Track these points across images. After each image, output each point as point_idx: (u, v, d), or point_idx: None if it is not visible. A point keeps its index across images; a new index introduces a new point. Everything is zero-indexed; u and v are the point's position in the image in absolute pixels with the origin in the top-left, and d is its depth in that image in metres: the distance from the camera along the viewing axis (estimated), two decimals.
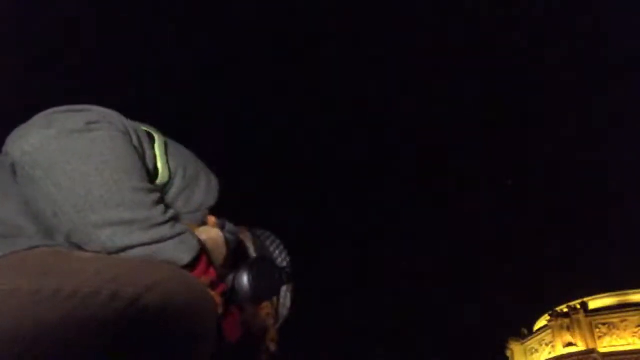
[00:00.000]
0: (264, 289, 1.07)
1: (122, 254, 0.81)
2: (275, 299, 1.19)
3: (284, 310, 1.23)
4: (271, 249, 1.23)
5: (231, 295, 1.02)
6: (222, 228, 1.03)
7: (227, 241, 1.01)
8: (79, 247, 0.82)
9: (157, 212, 0.86)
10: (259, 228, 1.27)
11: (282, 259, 1.23)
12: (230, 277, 1.03)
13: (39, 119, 0.84)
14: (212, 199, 1.08)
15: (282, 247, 1.25)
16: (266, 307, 1.15)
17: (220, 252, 0.98)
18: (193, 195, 1.03)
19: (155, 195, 0.89)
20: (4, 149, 0.83)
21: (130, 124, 0.94)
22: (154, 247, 0.83)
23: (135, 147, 0.91)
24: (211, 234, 0.99)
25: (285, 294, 1.22)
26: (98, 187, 0.80)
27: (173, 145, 1.06)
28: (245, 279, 1.04)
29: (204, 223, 1.04)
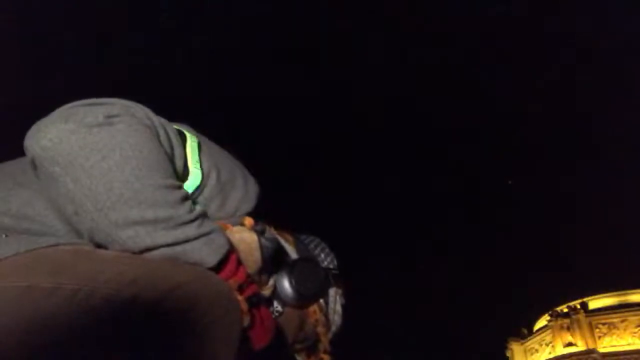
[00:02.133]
0: (308, 290, 1.00)
1: (146, 255, 0.78)
2: (323, 303, 1.09)
3: (335, 317, 1.12)
4: (316, 251, 1.14)
5: (273, 299, 0.97)
6: (259, 232, 0.95)
7: (261, 246, 0.92)
8: (103, 247, 0.79)
9: (183, 211, 0.81)
10: (304, 233, 1.18)
11: (328, 261, 1.14)
12: (271, 281, 0.97)
13: (57, 112, 0.80)
14: (249, 204, 1.01)
15: (327, 249, 1.16)
16: (314, 313, 1.05)
17: (252, 256, 0.91)
18: (228, 199, 0.97)
19: (181, 193, 0.84)
20: (24, 144, 0.80)
21: (157, 119, 0.89)
22: (178, 248, 0.79)
23: (161, 143, 0.86)
24: (244, 235, 0.92)
25: (334, 298, 1.12)
26: (119, 184, 0.75)
27: (208, 145, 1.01)
28: (286, 279, 0.98)
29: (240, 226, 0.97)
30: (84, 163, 0.75)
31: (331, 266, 1.13)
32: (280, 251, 1.02)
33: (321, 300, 1.08)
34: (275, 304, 0.98)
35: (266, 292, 0.96)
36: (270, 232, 1.03)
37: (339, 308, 1.13)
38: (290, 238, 1.11)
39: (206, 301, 0.73)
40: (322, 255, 1.14)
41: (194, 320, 0.71)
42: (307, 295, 1.00)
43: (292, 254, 1.07)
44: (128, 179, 0.76)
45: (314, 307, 1.05)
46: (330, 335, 1.11)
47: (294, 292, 0.98)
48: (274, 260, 0.99)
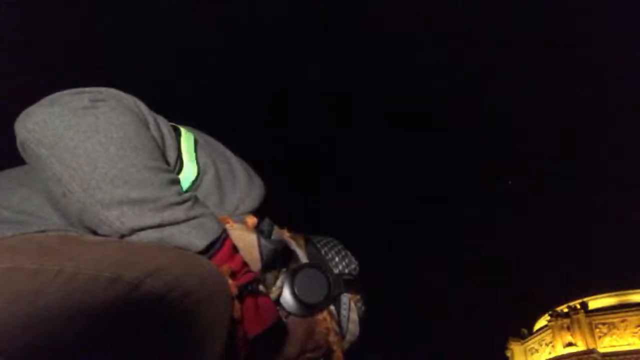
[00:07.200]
0: (311, 299, 0.95)
1: (134, 237, 0.78)
2: (335, 311, 1.03)
3: (350, 325, 1.05)
4: (329, 255, 1.07)
5: (278, 304, 0.94)
6: (263, 232, 0.92)
7: (260, 246, 0.88)
8: (93, 232, 0.79)
9: (170, 192, 0.81)
10: (323, 235, 1.13)
11: (343, 265, 1.07)
12: (278, 282, 0.95)
13: (44, 99, 0.82)
14: (251, 203, 0.98)
15: (344, 252, 1.10)
16: (324, 321, 1.00)
17: (251, 255, 0.87)
18: (227, 196, 0.95)
19: (169, 176, 0.83)
20: (15, 129, 0.81)
21: (147, 110, 0.89)
22: (166, 230, 0.79)
23: (150, 131, 0.86)
24: (244, 233, 0.89)
25: (348, 305, 1.05)
26: (103, 163, 0.76)
27: (208, 142, 1.00)
28: (287, 287, 0.94)
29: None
30: (68, 143, 0.76)
31: (346, 271, 1.07)
32: (287, 254, 0.99)
33: (332, 308, 1.03)
34: (280, 311, 0.94)
35: (272, 295, 0.94)
36: (280, 234, 1.00)
37: (354, 316, 1.07)
38: (302, 241, 1.07)
39: (190, 282, 0.73)
40: (337, 259, 1.08)
41: (178, 301, 0.70)
42: (309, 304, 0.96)
43: (302, 258, 1.02)
44: (112, 158, 0.77)
45: (323, 315, 1.00)
46: (345, 345, 1.06)
47: (295, 301, 0.95)
48: (282, 264, 0.97)
